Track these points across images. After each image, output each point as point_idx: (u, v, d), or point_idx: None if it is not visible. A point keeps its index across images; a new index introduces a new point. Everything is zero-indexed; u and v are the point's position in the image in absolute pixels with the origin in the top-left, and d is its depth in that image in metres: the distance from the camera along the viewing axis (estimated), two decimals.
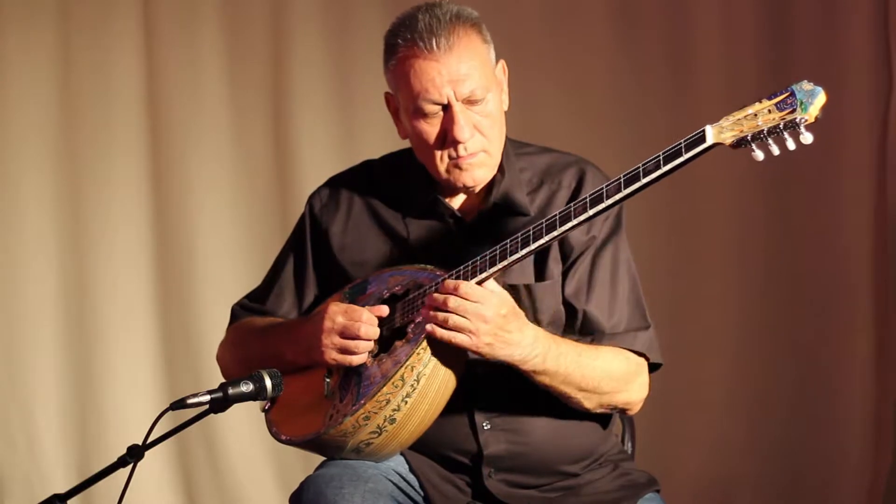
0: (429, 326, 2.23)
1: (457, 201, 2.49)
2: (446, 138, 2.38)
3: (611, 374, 2.36)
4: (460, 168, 2.40)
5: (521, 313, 2.28)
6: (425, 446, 2.40)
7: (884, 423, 4.19)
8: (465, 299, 2.22)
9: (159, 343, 4.58)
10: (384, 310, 2.37)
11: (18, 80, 4.52)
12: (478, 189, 2.46)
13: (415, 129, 2.41)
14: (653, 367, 2.45)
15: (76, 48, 4.54)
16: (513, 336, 2.25)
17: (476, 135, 2.38)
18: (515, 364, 2.28)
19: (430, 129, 2.39)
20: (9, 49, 4.52)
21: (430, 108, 2.38)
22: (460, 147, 2.38)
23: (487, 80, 2.38)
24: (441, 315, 2.23)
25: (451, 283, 2.24)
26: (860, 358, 4.20)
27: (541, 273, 2.43)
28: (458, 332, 2.22)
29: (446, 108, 2.37)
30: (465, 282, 2.23)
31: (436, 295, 2.24)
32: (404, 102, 2.41)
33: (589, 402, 2.37)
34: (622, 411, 2.44)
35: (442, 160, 2.41)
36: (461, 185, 2.43)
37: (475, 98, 2.37)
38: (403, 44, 2.37)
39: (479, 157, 2.40)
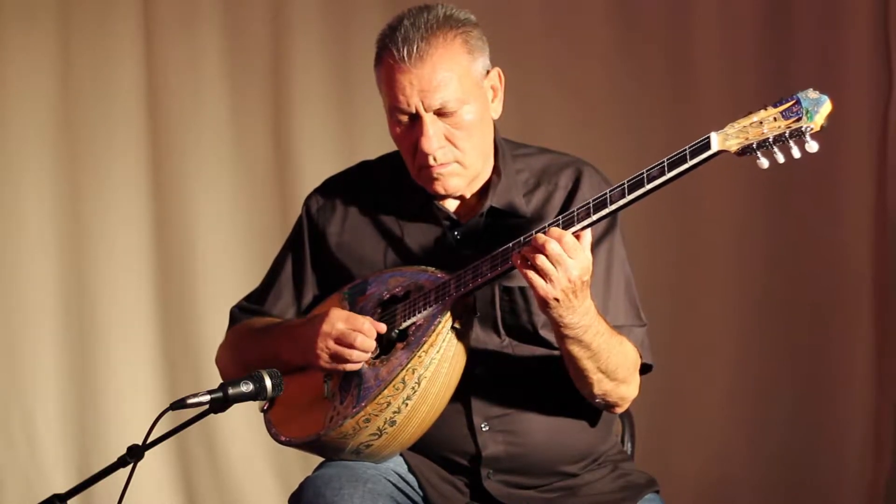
0: (518, 260, 2.19)
1: (452, 204, 2.48)
2: (416, 148, 2.37)
3: (626, 363, 2.34)
4: (432, 177, 2.39)
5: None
6: (424, 447, 2.40)
7: (884, 424, 4.18)
8: (563, 250, 2.17)
9: (159, 343, 4.57)
10: (383, 327, 2.36)
11: (18, 81, 4.52)
12: (468, 195, 2.45)
13: (393, 133, 2.41)
14: (643, 370, 2.42)
15: (76, 48, 4.54)
16: (578, 302, 2.20)
17: (447, 146, 2.36)
18: (562, 325, 2.22)
19: (404, 135, 2.39)
20: (9, 49, 4.52)
21: (401, 116, 2.37)
22: (429, 157, 2.36)
23: (464, 90, 2.35)
24: (532, 253, 2.17)
25: (557, 231, 2.18)
26: (860, 359, 4.20)
27: None
28: (541, 275, 2.17)
29: (417, 117, 2.35)
30: (570, 234, 2.18)
31: (539, 235, 2.18)
32: (385, 105, 2.42)
33: (599, 386, 2.32)
34: (612, 406, 2.40)
35: (415, 167, 2.41)
36: (433, 193, 2.42)
37: (447, 110, 2.34)
38: (384, 49, 2.37)
39: (450, 168, 2.38)
